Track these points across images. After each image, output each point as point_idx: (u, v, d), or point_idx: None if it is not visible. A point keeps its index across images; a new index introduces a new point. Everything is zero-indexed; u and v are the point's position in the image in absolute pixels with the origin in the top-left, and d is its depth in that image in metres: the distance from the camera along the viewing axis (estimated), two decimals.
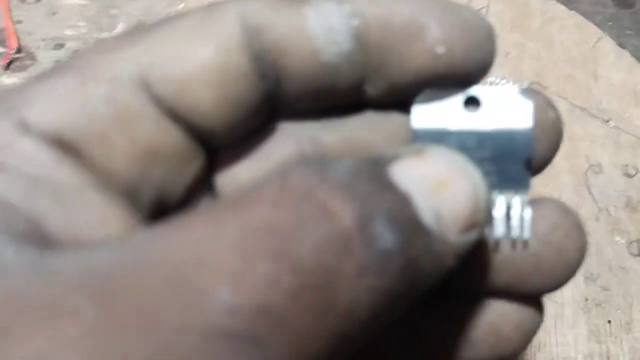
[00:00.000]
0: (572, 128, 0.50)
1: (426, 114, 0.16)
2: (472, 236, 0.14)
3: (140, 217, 0.15)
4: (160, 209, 0.15)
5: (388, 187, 0.13)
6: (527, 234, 0.16)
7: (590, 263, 0.44)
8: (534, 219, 0.16)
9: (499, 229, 0.16)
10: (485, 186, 0.14)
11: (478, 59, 0.16)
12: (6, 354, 0.10)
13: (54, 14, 0.60)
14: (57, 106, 0.14)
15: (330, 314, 0.11)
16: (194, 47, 0.14)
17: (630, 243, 0.44)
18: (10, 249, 0.11)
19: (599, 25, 0.58)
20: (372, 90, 0.16)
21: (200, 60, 0.14)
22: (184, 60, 0.14)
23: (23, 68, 0.56)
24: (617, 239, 0.45)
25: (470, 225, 0.13)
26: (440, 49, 0.15)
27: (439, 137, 0.16)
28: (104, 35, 0.59)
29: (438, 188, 0.13)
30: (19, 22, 0.59)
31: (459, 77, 0.16)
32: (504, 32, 0.56)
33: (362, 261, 0.11)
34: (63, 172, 0.13)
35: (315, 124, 0.17)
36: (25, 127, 0.13)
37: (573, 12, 0.58)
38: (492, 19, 0.57)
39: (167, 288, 0.10)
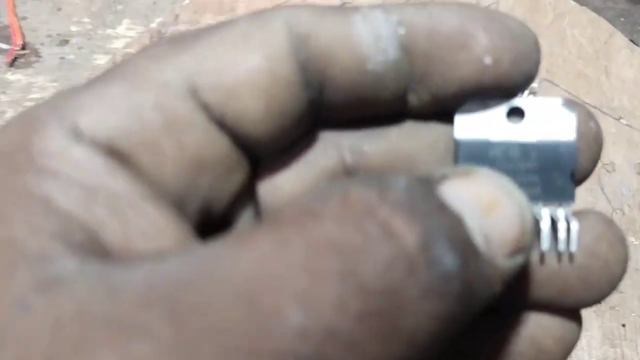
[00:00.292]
0: None
1: (469, 125, 0.16)
2: (518, 260, 0.14)
3: (189, 228, 0.15)
4: (205, 219, 0.15)
5: (442, 207, 0.12)
6: (574, 246, 0.16)
7: None
8: (580, 231, 0.16)
9: (544, 243, 0.16)
10: (531, 210, 0.14)
11: (524, 70, 0.15)
12: None
13: (58, 10, 0.60)
14: (108, 113, 0.13)
15: (395, 339, 0.11)
16: (242, 55, 0.14)
17: None
18: (71, 260, 0.11)
19: (610, 21, 0.57)
20: (414, 100, 0.16)
21: (248, 69, 0.14)
22: (232, 68, 0.14)
23: (28, 64, 0.56)
24: (632, 239, 0.44)
25: (518, 250, 0.13)
26: (488, 60, 0.15)
27: (482, 148, 0.16)
28: (109, 31, 0.58)
29: (488, 209, 0.13)
30: (24, 18, 0.59)
31: (504, 87, 0.15)
32: None
33: (425, 284, 0.11)
34: (116, 181, 0.13)
35: (356, 134, 0.17)
36: (77, 135, 0.13)
37: (584, 7, 0.57)
38: None
39: (238, 307, 0.10)
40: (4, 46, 0.56)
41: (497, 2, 0.57)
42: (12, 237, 0.11)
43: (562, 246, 0.16)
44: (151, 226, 0.13)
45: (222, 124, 0.15)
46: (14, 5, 0.59)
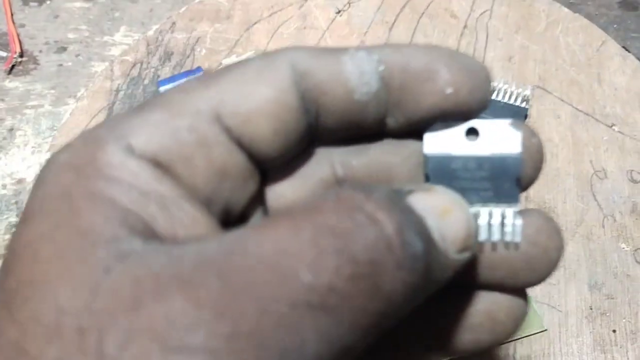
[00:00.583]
0: (576, 133, 0.50)
1: (435, 142, 0.20)
2: (465, 255, 0.18)
3: (215, 222, 0.19)
4: (226, 217, 0.19)
5: (411, 209, 0.16)
6: (518, 238, 0.19)
7: (595, 271, 0.43)
8: (523, 226, 0.20)
9: (495, 235, 0.19)
10: (475, 219, 0.19)
11: (479, 98, 0.19)
12: (156, 310, 0.14)
13: (56, 17, 0.60)
14: (153, 134, 0.17)
15: (376, 296, 0.15)
16: (255, 89, 0.18)
17: (636, 250, 0.44)
18: (137, 241, 0.15)
19: (603, 27, 0.58)
20: (392, 122, 0.20)
21: (260, 99, 0.18)
22: (248, 99, 0.18)
23: (26, 72, 0.56)
24: (623, 246, 0.45)
25: (465, 247, 0.18)
26: (449, 90, 0.19)
27: (446, 161, 0.20)
28: (106, 38, 0.58)
29: (443, 215, 0.17)
30: (22, 26, 0.59)
31: (463, 112, 0.19)
32: (508, 35, 0.56)
33: (399, 259, 0.15)
34: (162, 186, 0.17)
35: (345, 150, 0.21)
36: (130, 151, 0.17)
37: (577, 14, 0.58)
38: (496, 22, 0.57)
39: (266, 270, 0.14)
40: (2, 54, 0.57)
41: (491, 11, 0.58)
42: (91, 225, 0.15)
43: (509, 237, 0.19)
44: (189, 219, 0.17)
45: (240, 143, 0.18)
46: (12, 13, 0.59)
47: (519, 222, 0.19)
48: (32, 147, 0.52)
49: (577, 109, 0.52)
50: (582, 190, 0.47)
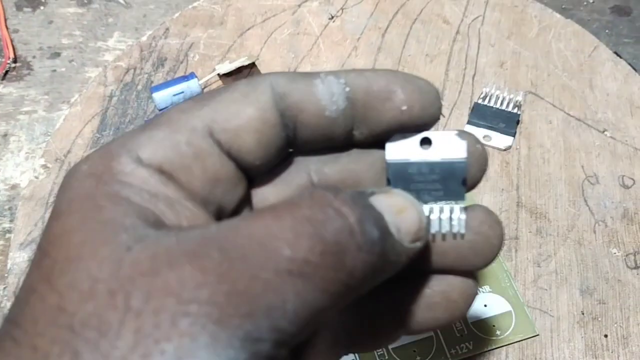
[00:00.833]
0: (568, 138, 0.50)
1: (395, 150, 0.23)
2: (417, 245, 0.22)
3: (212, 219, 0.22)
4: (220, 215, 0.22)
5: (371, 206, 0.20)
6: (463, 229, 0.23)
7: (586, 276, 0.44)
8: (468, 219, 0.23)
9: (445, 227, 0.23)
10: (426, 217, 0.22)
11: (429, 114, 0.23)
12: (170, 275, 0.17)
13: (50, 23, 0.60)
14: (157, 148, 0.21)
15: (341, 269, 0.18)
16: (242, 108, 0.22)
17: (627, 255, 0.45)
18: (151, 229, 0.19)
19: (595, 33, 0.58)
20: (358, 134, 0.24)
21: (246, 117, 0.22)
22: (236, 117, 0.21)
23: (19, 77, 0.56)
24: (614, 251, 0.45)
25: (417, 238, 0.21)
26: (404, 107, 0.22)
27: (404, 166, 0.23)
28: (100, 44, 0.59)
29: (398, 212, 0.21)
30: (16, 31, 0.59)
31: (417, 125, 0.23)
32: (500, 41, 0.56)
33: (359, 243, 0.19)
34: (167, 189, 0.20)
35: (319, 159, 0.24)
36: (139, 161, 0.20)
37: (569, 20, 0.58)
38: (488, 28, 0.57)
39: (255, 246, 0.18)
40: None
41: (483, 16, 0.58)
42: (112, 218, 0.19)
43: (455, 229, 0.23)
44: (191, 215, 0.21)
45: (230, 154, 0.22)
46: (5, 18, 0.59)
47: (463, 216, 0.23)
48: (26, 152, 0.52)
49: (568, 114, 0.52)
50: (573, 196, 0.47)
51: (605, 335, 0.41)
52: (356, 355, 0.40)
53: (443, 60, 0.55)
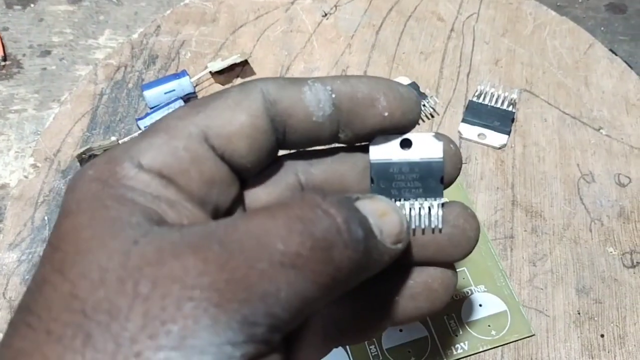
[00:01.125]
0: (564, 136, 0.50)
1: (378, 152, 0.26)
2: (399, 247, 0.23)
3: (209, 218, 0.23)
4: (216, 215, 0.24)
5: (357, 210, 0.22)
6: (440, 224, 0.25)
7: (582, 275, 0.43)
8: (445, 214, 0.25)
9: (424, 222, 0.25)
10: (407, 221, 0.24)
11: (409, 119, 0.25)
12: (174, 265, 0.18)
13: (40, 20, 0.59)
14: (157, 154, 0.22)
15: (329, 263, 0.20)
16: (235, 115, 0.23)
17: (624, 254, 0.44)
18: (155, 227, 0.20)
19: (591, 30, 0.58)
20: (343, 137, 0.25)
21: (238, 123, 0.23)
22: (229, 123, 0.23)
23: (9, 76, 0.55)
24: (610, 250, 0.44)
25: (398, 240, 0.23)
26: (386, 113, 0.24)
27: (386, 166, 0.25)
28: (90, 41, 0.58)
29: (381, 216, 0.23)
30: (5, 29, 0.59)
31: (398, 129, 0.25)
32: (495, 38, 0.56)
33: (346, 240, 0.20)
34: (167, 191, 0.22)
35: (307, 161, 0.26)
36: (141, 167, 0.21)
37: (564, 17, 0.58)
38: (483, 25, 0.57)
39: (252, 241, 0.19)
40: None
41: (478, 14, 0.58)
42: (119, 216, 0.20)
43: (434, 224, 0.25)
44: (191, 215, 0.22)
45: (224, 158, 0.23)
46: None
47: (440, 212, 0.25)
48: (16, 151, 0.51)
49: (564, 112, 0.51)
50: (569, 194, 0.47)
51: (602, 335, 0.41)
52: (350, 355, 0.40)
53: (437, 58, 0.55)
